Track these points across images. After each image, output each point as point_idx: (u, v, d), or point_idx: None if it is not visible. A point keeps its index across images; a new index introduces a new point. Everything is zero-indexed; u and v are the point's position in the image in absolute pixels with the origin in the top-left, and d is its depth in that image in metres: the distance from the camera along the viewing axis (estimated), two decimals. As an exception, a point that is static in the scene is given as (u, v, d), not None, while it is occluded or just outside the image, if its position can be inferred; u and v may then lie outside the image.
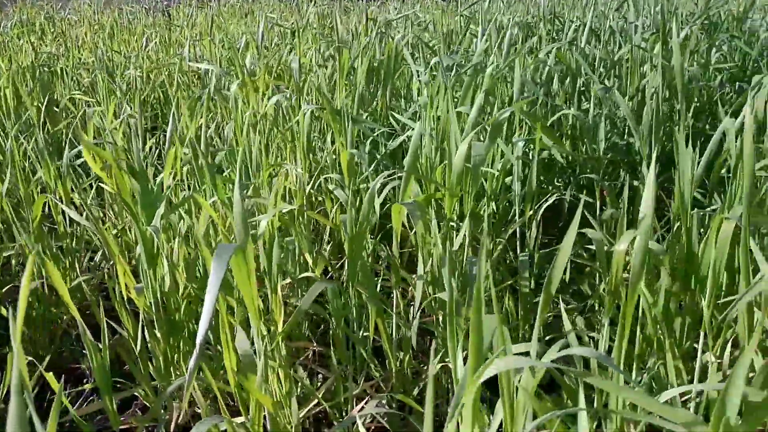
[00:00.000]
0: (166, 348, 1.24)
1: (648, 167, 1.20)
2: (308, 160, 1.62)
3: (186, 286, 1.22)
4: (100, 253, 1.82)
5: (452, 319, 0.74)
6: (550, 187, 1.76)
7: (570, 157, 1.78)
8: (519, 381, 0.69)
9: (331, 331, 1.34)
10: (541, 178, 1.70)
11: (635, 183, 1.63)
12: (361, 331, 1.33)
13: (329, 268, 1.54)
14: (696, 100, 2.08)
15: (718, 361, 1.01)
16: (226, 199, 1.29)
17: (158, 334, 1.23)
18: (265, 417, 1.07)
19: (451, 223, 1.35)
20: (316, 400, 1.22)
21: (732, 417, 0.53)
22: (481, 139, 1.45)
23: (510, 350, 0.72)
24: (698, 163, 1.33)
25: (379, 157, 1.81)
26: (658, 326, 1.02)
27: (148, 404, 1.34)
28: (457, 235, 1.31)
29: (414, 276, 1.32)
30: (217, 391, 1.05)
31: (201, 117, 1.72)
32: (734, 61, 2.47)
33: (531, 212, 1.48)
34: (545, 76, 2.05)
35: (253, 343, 0.99)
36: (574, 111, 1.56)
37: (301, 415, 1.15)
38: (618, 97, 1.35)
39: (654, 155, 0.92)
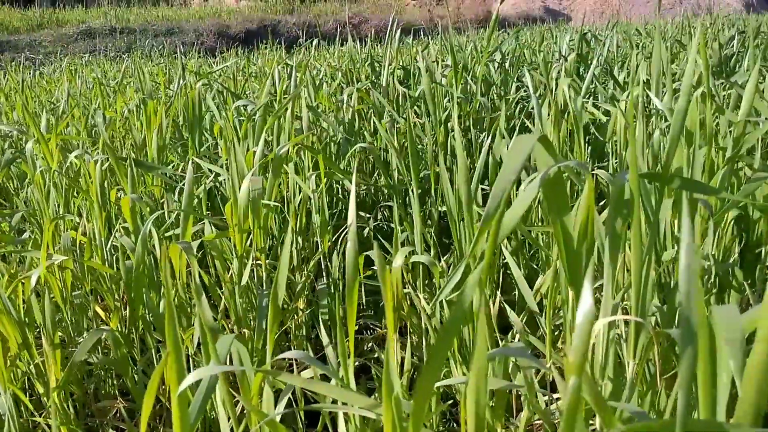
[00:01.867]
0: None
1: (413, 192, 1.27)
2: (104, 211, 1.58)
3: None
4: None
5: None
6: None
7: (375, 189, 1.86)
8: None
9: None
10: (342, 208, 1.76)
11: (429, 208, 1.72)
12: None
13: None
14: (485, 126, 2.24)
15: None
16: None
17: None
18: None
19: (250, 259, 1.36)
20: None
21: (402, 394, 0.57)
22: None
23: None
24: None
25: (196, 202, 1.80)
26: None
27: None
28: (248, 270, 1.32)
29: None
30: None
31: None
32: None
33: (329, 243, 1.52)
34: (350, 115, 2.13)
35: None
36: (365, 144, 1.63)
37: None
38: (384, 133, 1.43)
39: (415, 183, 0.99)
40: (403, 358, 1.21)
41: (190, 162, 1.23)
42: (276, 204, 1.39)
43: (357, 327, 1.80)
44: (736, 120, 1.14)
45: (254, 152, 1.57)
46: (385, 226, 2.00)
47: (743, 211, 1.19)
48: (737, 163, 1.18)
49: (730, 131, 1.16)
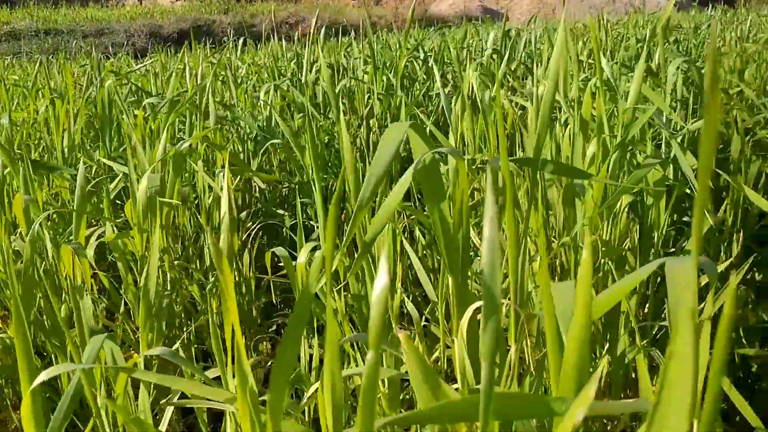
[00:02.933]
0: None
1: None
2: (4, 215, 1.52)
3: None
4: None
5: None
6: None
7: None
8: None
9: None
10: (260, 206, 1.74)
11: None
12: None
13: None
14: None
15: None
16: None
17: None
18: None
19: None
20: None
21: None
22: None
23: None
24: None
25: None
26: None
27: None
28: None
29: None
30: None
31: None
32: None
33: (240, 242, 1.49)
34: (268, 111, 2.11)
35: None
36: (277, 140, 1.62)
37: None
38: (284, 127, 1.42)
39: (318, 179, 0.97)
40: (310, 355, 1.20)
41: (81, 161, 1.19)
42: (177, 203, 1.36)
43: (275, 326, 1.78)
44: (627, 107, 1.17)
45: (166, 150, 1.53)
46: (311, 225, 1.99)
47: (638, 197, 1.22)
48: (630, 150, 1.21)
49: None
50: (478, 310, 0.84)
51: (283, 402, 0.56)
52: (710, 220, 1.17)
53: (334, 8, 17.84)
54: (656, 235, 1.18)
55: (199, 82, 2.16)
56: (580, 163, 1.13)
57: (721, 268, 1.18)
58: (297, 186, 1.70)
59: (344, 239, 0.72)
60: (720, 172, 1.19)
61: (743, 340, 1.48)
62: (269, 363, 1.58)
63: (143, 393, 0.75)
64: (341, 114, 0.86)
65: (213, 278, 1.54)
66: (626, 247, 1.23)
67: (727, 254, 1.63)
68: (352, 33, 4.77)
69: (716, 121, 0.24)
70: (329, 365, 0.56)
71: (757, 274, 1.70)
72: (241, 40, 3.73)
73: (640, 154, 1.19)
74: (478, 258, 1.21)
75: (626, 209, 1.19)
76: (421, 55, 3.03)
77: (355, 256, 1.41)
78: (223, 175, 1.53)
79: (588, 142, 1.13)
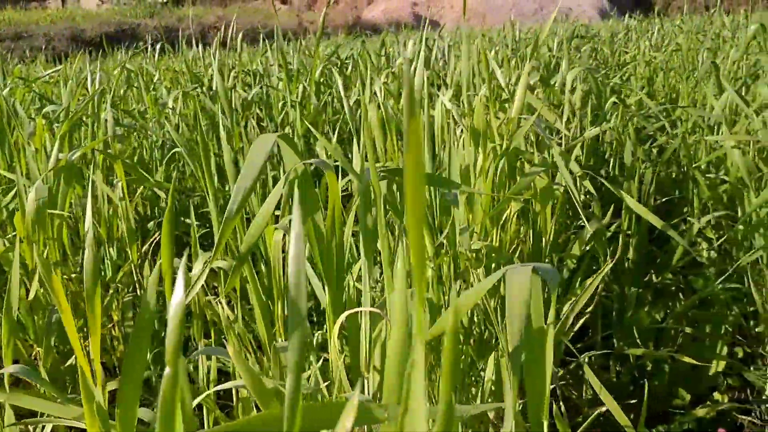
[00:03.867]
0: None
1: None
2: None
3: None
4: None
5: None
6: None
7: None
8: None
9: None
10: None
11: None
12: None
13: None
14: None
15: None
16: None
17: None
18: None
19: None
20: None
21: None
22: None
23: None
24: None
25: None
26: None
27: None
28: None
29: None
30: None
31: None
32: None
33: (138, 253, 1.47)
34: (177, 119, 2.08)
35: None
36: (180, 149, 1.59)
37: None
38: (175, 136, 1.40)
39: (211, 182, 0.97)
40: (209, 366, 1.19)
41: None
42: (65, 214, 1.32)
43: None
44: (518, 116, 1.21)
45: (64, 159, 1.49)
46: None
47: (527, 204, 1.25)
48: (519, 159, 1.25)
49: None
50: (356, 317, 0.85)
51: (133, 415, 0.56)
52: (589, 228, 1.22)
53: (265, 13, 17.71)
54: (545, 240, 1.22)
55: (109, 89, 2.11)
56: (471, 172, 1.16)
57: (606, 269, 1.22)
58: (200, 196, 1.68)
59: (213, 252, 0.72)
60: (603, 180, 1.23)
61: (638, 341, 1.55)
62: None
63: (9, 412, 0.73)
64: (222, 120, 0.85)
65: (112, 291, 1.51)
66: (518, 252, 1.27)
67: (623, 256, 1.69)
68: (280, 38, 4.74)
69: (419, 154, 0.25)
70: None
71: (654, 276, 1.78)
72: (158, 46, 3.67)
73: (527, 163, 1.23)
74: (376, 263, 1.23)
75: (515, 216, 1.22)
76: (346, 62, 3.04)
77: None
78: (120, 186, 1.51)
79: (478, 151, 1.16)
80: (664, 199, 1.85)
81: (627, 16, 7.11)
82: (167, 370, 0.35)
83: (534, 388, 0.64)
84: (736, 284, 1.44)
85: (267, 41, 5.44)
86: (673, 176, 2.21)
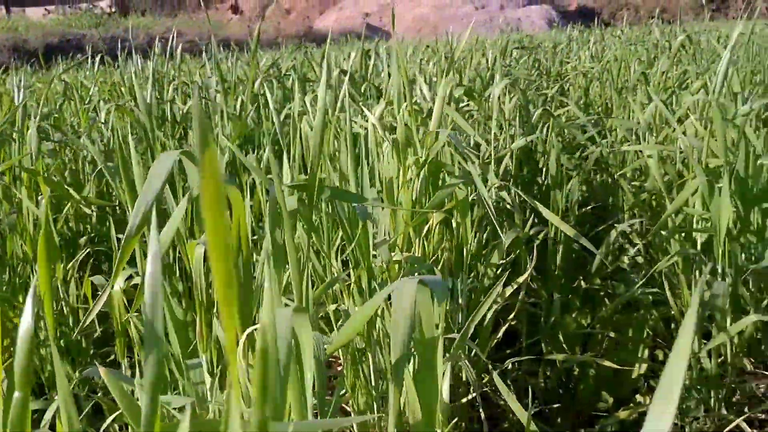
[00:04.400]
0: None
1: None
2: None
3: None
4: None
5: None
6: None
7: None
8: None
9: None
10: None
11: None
12: None
13: None
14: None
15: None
16: None
17: None
18: None
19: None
20: None
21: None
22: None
23: None
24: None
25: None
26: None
27: None
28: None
29: None
30: None
31: None
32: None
33: (63, 269, 1.45)
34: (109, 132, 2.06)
35: None
36: (110, 164, 1.58)
37: None
38: (93, 149, 1.39)
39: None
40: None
41: None
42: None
43: (113, 356, 1.73)
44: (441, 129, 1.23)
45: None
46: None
47: (450, 215, 1.28)
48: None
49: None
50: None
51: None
52: (504, 240, 1.25)
53: (215, 24, 17.57)
54: (465, 250, 1.25)
55: (37, 103, 2.08)
56: (394, 184, 1.18)
57: (525, 277, 1.25)
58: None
59: (113, 271, 0.72)
60: (523, 195, 1.26)
61: (563, 346, 1.58)
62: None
63: None
64: (129, 138, 0.85)
65: (38, 309, 1.48)
66: (442, 262, 1.29)
67: (552, 264, 1.73)
68: (215, 49, 4.70)
69: (216, 180, 0.26)
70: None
71: (583, 282, 1.82)
72: (98, 57, 3.61)
73: (449, 175, 1.25)
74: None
75: (437, 227, 1.24)
76: (287, 74, 3.04)
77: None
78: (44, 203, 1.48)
79: (401, 164, 1.18)
80: (589, 207, 1.89)
81: (569, 26, 7.28)
82: (16, 394, 0.35)
83: (425, 398, 0.65)
84: (654, 289, 1.48)
85: (221, 51, 5.40)
86: (608, 184, 2.27)
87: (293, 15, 28.16)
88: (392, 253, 1.12)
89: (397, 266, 1.14)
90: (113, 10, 22.08)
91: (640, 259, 1.87)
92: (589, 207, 2.15)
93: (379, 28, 25.87)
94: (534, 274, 1.76)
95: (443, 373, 0.77)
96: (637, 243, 1.90)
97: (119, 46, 3.55)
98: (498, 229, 1.07)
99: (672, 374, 0.25)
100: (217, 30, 16.03)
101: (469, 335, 1.23)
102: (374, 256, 1.05)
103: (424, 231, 1.23)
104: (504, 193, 1.28)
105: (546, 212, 1.15)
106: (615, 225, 1.88)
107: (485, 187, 1.29)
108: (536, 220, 1.71)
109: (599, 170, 2.35)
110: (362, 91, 2.48)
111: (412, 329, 0.56)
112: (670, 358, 0.25)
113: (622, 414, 1.39)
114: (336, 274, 1.08)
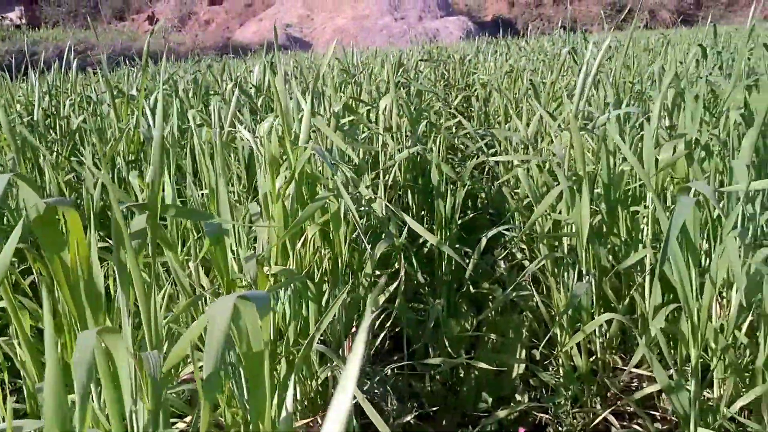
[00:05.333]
0: None
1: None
2: None
3: None
4: None
5: None
6: None
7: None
8: None
9: None
10: None
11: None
12: None
13: None
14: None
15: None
16: None
17: None
18: None
19: None
20: None
21: None
22: None
23: None
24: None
25: None
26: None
27: None
28: None
29: None
30: None
31: None
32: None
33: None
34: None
35: None
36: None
37: None
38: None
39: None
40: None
41: None
42: None
43: None
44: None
45: None
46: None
47: (326, 227, 1.30)
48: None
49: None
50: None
51: None
52: (372, 252, 1.28)
53: (129, 35, 17.15)
54: (340, 261, 1.28)
55: None
56: (269, 197, 1.20)
57: (395, 285, 1.29)
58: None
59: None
60: (391, 207, 1.30)
61: (448, 349, 1.63)
62: None
63: None
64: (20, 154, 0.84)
65: None
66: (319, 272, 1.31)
67: (439, 270, 1.78)
68: (104, 64, 4.61)
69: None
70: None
71: (471, 287, 1.88)
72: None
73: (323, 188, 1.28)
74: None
75: (312, 239, 1.27)
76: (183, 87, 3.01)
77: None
78: None
79: (273, 178, 1.20)
80: (472, 214, 1.96)
81: (477, 38, 7.47)
82: None
83: (256, 408, 0.67)
84: (527, 292, 1.55)
85: (136, 62, 5.26)
86: (500, 191, 2.35)
87: (213, 26, 27.77)
88: (265, 267, 1.13)
89: (273, 279, 1.15)
90: (23, 21, 21.24)
91: (526, 263, 1.94)
92: (484, 213, 2.22)
93: (301, 39, 25.83)
94: (423, 281, 1.81)
95: (290, 383, 0.79)
96: (524, 247, 1.98)
97: (27, 59, 3.43)
98: (364, 240, 1.10)
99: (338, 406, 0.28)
100: (131, 41, 15.65)
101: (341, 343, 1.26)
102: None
103: (299, 243, 1.25)
104: (375, 205, 1.31)
105: (412, 223, 1.19)
106: (503, 232, 1.96)
107: (361, 199, 1.33)
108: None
109: (491, 179, 2.44)
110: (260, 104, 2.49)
111: (223, 345, 0.58)
112: (338, 386, 0.28)
113: (501, 413, 1.44)
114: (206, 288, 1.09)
